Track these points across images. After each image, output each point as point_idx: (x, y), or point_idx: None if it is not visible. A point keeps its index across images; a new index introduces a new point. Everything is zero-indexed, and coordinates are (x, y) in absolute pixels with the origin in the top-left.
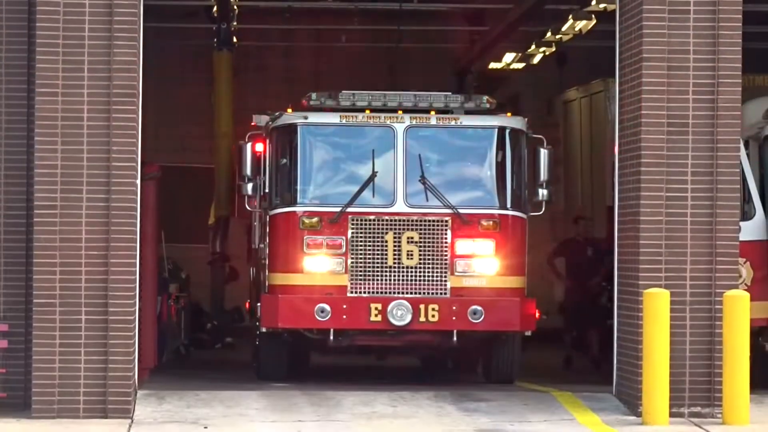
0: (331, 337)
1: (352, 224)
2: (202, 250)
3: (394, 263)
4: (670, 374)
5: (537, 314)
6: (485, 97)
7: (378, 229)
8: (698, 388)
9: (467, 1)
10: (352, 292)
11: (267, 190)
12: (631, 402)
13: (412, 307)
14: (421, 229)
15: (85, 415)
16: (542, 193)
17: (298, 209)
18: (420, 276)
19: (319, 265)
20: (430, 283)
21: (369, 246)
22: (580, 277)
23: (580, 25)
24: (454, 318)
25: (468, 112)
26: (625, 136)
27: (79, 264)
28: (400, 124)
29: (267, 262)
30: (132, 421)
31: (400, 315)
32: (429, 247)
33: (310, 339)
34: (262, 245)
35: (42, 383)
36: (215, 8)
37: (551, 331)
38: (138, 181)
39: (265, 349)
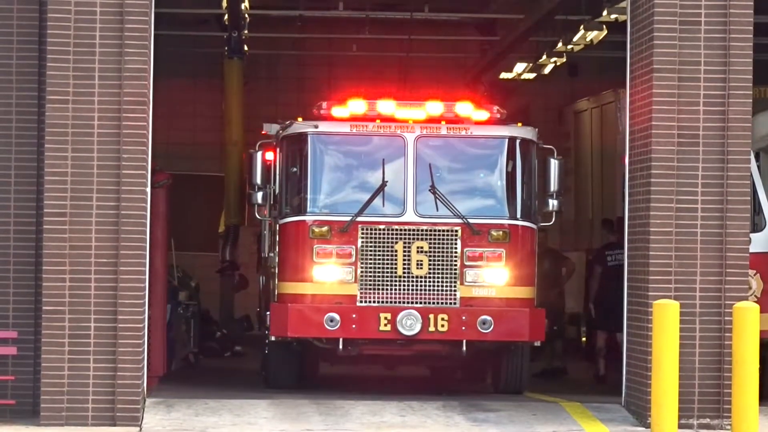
0: (341, 347)
1: (362, 233)
2: (211, 258)
3: (404, 273)
4: (679, 385)
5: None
6: (496, 107)
7: (388, 238)
8: (707, 400)
9: (478, 10)
10: (361, 302)
11: (277, 199)
12: (640, 413)
13: (422, 316)
14: (431, 239)
15: (93, 423)
16: (552, 203)
17: (308, 218)
18: (429, 286)
19: (328, 275)
20: (440, 292)
21: (379, 255)
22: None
23: (592, 35)
24: (463, 328)
25: (478, 122)
26: (636, 147)
27: (89, 271)
28: (411, 134)
29: (276, 271)
30: (140, 429)
31: (409, 325)
32: (439, 256)
33: (319, 348)
34: (271, 254)
35: (51, 390)
36: (226, 16)
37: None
38: (148, 189)
39: (274, 357)
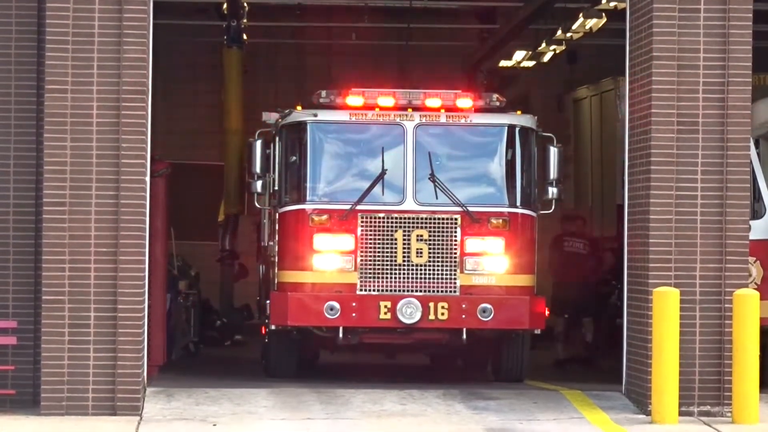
0: (341, 335)
1: (362, 222)
2: (211, 248)
3: (404, 261)
4: (680, 373)
5: (546, 312)
6: (495, 95)
7: (388, 226)
8: (708, 387)
9: None
10: (361, 290)
11: (276, 188)
12: (641, 400)
13: (422, 305)
14: (430, 227)
15: (93, 413)
16: (552, 191)
17: (307, 207)
18: (429, 274)
19: (328, 263)
20: (440, 281)
21: (378, 244)
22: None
23: (591, 23)
24: (463, 316)
25: (478, 110)
26: (635, 134)
27: (88, 261)
28: (410, 122)
29: (276, 260)
30: (141, 419)
31: (409, 313)
32: (438, 245)
33: (319, 337)
34: (271, 243)
35: (51, 380)
36: (225, 5)
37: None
38: (147, 178)
39: (275, 346)
